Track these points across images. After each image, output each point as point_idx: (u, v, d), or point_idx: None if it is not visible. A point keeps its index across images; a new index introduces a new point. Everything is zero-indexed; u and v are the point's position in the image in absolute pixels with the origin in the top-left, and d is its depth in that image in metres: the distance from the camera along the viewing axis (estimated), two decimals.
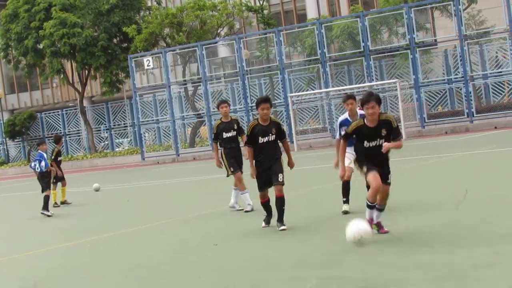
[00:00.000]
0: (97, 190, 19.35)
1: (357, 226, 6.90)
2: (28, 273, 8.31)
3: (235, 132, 11.48)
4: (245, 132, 11.40)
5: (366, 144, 7.73)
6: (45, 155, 15.43)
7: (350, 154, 10.34)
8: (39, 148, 15.59)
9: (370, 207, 7.86)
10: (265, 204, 9.34)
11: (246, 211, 11.30)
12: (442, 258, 6.35)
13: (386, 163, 7.81)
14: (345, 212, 9.82)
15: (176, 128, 39.74)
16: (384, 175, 7.73)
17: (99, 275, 7.63)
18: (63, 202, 16.99)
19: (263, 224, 9.34)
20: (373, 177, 7.64)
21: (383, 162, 7.77)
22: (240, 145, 11.39)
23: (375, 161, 7.71)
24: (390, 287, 5.70)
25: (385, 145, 7.65)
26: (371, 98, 7.56)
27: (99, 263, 8.41)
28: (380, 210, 7.91)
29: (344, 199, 10.01)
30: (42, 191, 15.01)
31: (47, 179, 15.17)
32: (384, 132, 7.68)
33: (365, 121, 7.71)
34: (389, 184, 7.82)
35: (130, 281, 7.14)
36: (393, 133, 7.73)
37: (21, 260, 9.40)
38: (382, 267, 6.38)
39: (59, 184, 16.96)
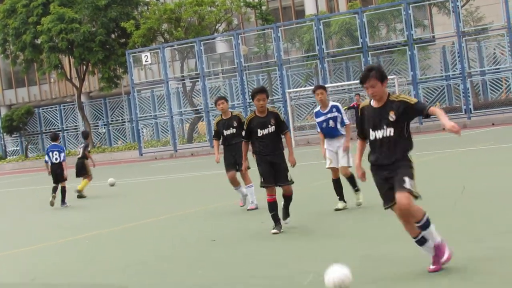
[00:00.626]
0: (112, 185, 19.37)
1: (335, 273, 5.35)
2: (26, 268, 8.31)
3: (235, 129, 11.05)
4: None
5: (372, 135, 5.79)
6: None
7: (330, 151, 9.97)
8: (56, 142, 16.01)
9: (419, 242, 5.85)
10: (272, 205, 8.55)
11: (241, 206, 11.23)
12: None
13: (401, 160, 5.73)
14: (337, 209, 9.79)
15: (174, 124, 39.72)
16: (399, 179, 5.68)
17: (97, 270, 7.64)
18: (78, 191, 17.32)
19: (274, 230, 8.52)
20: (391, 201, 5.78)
21: (397, 160, 5.73)
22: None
23: (387, 161, 5.74)
24: (388, 282, 5.72)
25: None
26: (369, 74, 5.73)
27: (98, 259, 8.42)
28: (420, 242, 5.80)
29: (338, 197, 9.99)
30: (58, 182, 15.42)
31: (61, 171, 15.51)
32: (392, 116, 5.64)
33: (371, 102, 5.94)
34: (407, 190, 5.64)
35: (128, 276, 7.15)
36: (411, 112, 5.70)
37: (19, 256, 9.41)
38: (380, 262, 6.40)
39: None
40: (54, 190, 15.41)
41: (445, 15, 40.93)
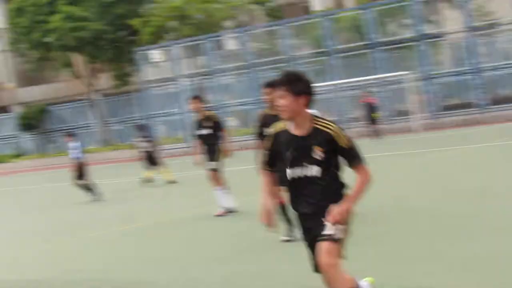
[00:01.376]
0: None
1: None
2: (16, 266, 8.38)
3: (211, 129, 10.62)
4: (223, 126, 10.74)
5: (288, 172, 4.21)
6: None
7: None
8: (73, 139, 16.22)
9: None
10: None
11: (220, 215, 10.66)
12: (433, 250, 6.41)
13: (323, 203, 4.14)
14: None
15: (186, 121, 39.80)
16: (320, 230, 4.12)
17: (90, 268, 7.70)
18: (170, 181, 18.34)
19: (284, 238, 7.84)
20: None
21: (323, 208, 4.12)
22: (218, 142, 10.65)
23: (306, 209, 4.22)
24: (385, 280, 5.74)
25: (332, 216, 4.03)
26: (279, 81, 4.23)
27: (90, 257, 8.48)
28: None
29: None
30: (80, 178, 15.79)
31: (86, 167, 15.98)
32: (318, 151, 4.09)
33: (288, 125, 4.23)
34: (330, 239, 4.08)
35: (120, 274, 7.20)
36: (346, 156, 4.14)
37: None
38: (378, 260, 6.42)
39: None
40: (87, 187, 15.84)
41: (454, 10, 40.71)
